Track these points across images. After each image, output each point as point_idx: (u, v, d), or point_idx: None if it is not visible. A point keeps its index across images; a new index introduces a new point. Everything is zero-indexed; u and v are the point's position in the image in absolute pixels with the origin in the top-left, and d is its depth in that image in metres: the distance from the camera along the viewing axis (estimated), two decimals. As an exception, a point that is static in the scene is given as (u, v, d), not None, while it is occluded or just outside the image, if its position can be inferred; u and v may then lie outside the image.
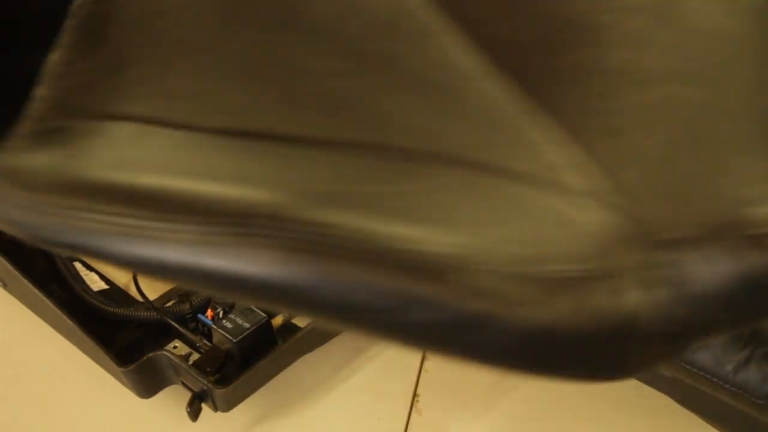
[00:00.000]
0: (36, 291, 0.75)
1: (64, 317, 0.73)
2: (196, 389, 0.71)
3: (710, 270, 0.35)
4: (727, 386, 0.61)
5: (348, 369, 0.82)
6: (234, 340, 0.71)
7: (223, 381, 0.70)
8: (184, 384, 0.73)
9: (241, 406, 0.74)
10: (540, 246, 0.36)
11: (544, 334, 0.34)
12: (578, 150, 0.40)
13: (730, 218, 0.36)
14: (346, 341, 0.84)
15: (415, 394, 0.80)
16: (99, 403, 0.79)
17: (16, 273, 0.70)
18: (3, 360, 0.84)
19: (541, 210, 0.37)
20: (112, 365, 0.71)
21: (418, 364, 0.82)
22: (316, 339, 0.77)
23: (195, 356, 0.74)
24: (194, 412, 0.71)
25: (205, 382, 0.70)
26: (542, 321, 0.34)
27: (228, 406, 0.72)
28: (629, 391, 0.77)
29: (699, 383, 0.63)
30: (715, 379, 0.61)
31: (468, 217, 0.37)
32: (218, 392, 0.70)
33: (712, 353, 0.60)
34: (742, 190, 0.37)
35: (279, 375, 0.80)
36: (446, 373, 0.82)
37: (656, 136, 0.40)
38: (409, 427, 0.77)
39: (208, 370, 0.69)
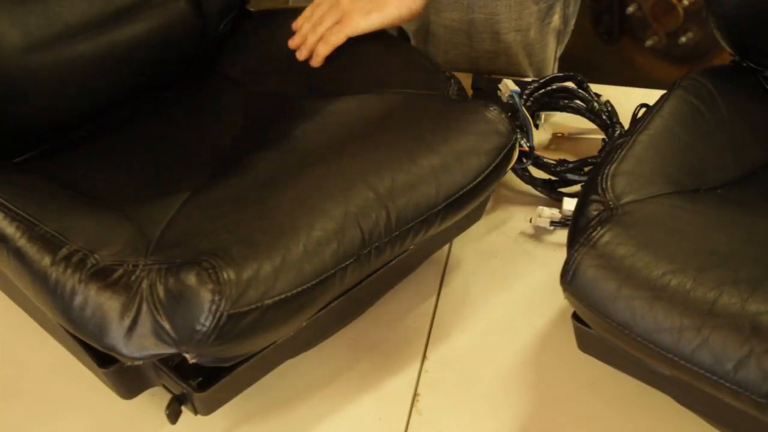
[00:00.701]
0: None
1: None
2: (176, 392, 0.72)
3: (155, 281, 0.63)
4: (727, 384, 0.60)
5: (348, 369, 0.82)
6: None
7: (204, 384, 0.70)
8: (164, 386, 0.73)
9: (228, 408, 0.74)
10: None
11: None
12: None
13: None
14: (346, 341, 0.84)
15: (415, 394, 0.80)
16: (97, 404, 0.79)
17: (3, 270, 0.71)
18: (3, 360, 0.84)
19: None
20: (94, 366, 0.71)
21: (418, 364, 0.82)
22: (299, 344, 0.77)
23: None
24: (173, 415, 0.72)
25: (184, 386, 0.70)
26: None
27: (208, 409, 0.72)
28: (629, 390, 0.77)
29: (699, 381, 0.63)
30: (714, 377, 0.61)
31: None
32: (197, 396, 0.70)
33: (711, 351, 0.60)
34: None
35: (276, 376, 0.80)
36: (447, 373, 0.82)
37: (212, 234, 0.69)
38: (409, 426, 0.77)
39: (188, 373, 0.69)
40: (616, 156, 0.74)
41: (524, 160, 0.94)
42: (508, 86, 0.96)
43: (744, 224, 0.73)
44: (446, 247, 0.92)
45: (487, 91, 1.03)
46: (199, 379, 0.70)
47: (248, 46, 0.95)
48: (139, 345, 0.61)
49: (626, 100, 0.99)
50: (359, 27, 0.89)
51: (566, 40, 1.22)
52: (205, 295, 0.60)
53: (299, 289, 0.64)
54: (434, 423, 0.77)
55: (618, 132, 0.96)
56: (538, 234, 0.94)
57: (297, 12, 0.94)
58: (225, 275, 0.61)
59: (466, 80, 1.07)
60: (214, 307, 0.60)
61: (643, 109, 0.87)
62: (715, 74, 0.84)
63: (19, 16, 0.79)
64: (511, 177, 0.96)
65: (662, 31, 2.08)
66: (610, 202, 0.70)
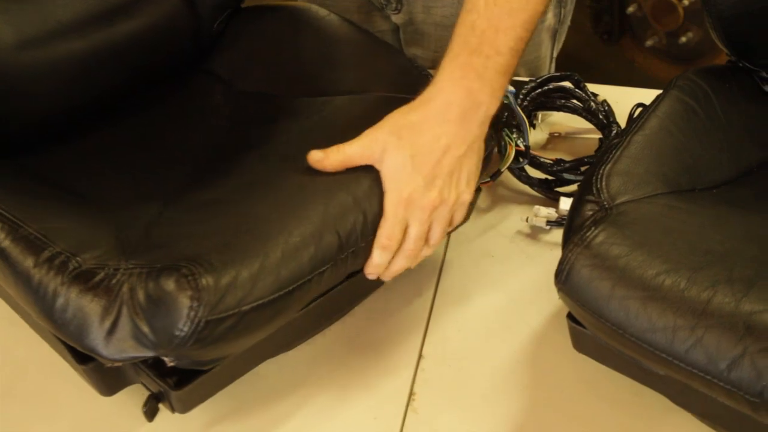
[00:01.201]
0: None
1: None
2: (153, 390, 0.72)
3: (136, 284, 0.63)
4: (721, 384, 0.60)
5: (344, 367, 0.82)
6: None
7: (180, 383, 0.71)
8: (143, 384, 0.74)
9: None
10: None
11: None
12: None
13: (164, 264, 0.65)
14: (341, 339, 0.84)
15: (411, 393, 0.80)
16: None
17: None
18: (3, 360, 0.84)
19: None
20: (74, 363, 0.72)
21: (414, 363, 0.82)
22: (279, 344, 0.78)
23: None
24: (150, 412, 0.73)
25: (161, 384, 0.70)
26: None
27: (185, 407, 0.73)
28: (624, 389, 0.77)
29: (693, 381, 0.63)
30: (708, 377, 0.61)
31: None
32: (174, 394, 0.70)
33: (705, 351, 0.60)
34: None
35: (275, 375, 0.81)
36: (443, 372, 0.82)
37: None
38: (405, 425, 0.77)
39: (166, 371, 0.70)
40: (611, 156, 0.74)
41: (521, 160, 0.94)
42: (503, 86, 0.96)
43: (739, 224, 0.73)
44: (442, 245, 0.92)
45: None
46: (176, 378, 0.71)
47: (236, 44, 0.95)
48: (118, 348, 0.62)
49: (625, 99, 0.99)
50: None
51: (563, 38, 1.21)
52: (184, 302, 0.61)
53: (276, 295, 0.65)
54: (430, 422, 0.78)
55: (615, 132, 0.96)
56: (534, 233, 0.94)
57: (288, 8, 0.94)
58: (204, 281, 0.62)
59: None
60: (192, 314, 0.61)
61: (640, 109, 0.87)
62: (710, 74, 0.84)
63: (12, 13, 0.79)
64: (507, 176, 0.96)
65: (662, 31, 2.08)
66: (605, 202, 0.70)
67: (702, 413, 0.72)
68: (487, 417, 0.78)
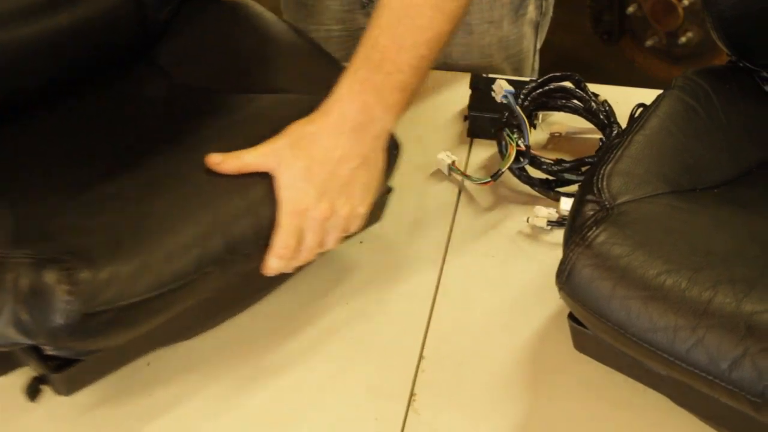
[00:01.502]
0: None
1: None
2: (36, 373, 0.75)
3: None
4: (722, 384, 0.60)
5: (344, 368, 0.82)
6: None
7: (61, 366, 0.73)
8: (29, 366, 0.75)
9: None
10: None
11: None
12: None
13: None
14: (342, 340, 0.84)
15: (412, 394, 0.80)
16: None
17: None
18: None
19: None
20: None
21: (415, 364, 0.82)
22: (172, 333, 0.80)
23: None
24: (31, 393, 0.76)
25: (42, 367, 0.73)
26: None
27: (68, 390, 0.76)
28: (626, 390, 0.77)
29: (694, 381, 0.63)
30: (710, 377, 0.61)
31: None
32: (54, 377, 0.73)
33: (706, 351, 0.60)
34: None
35: (277, 375, 0.80)
36: (443, 373, 0.82)
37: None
38: (405, 426, 0.77)
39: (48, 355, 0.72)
40: (612, 156, 0.74)
41: (521, 160, 0.94)
42: (502, 87, 0.96)
43: (740, 224, 0.73)
44: (443, 245, 0.92)
45: (485, 92, 1.03)
46: (58, 362, 0.73)
47: (179, 36, 0.94)
48: (1, 333, 0.65)
49: (625, 100, 0.99)
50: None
51: (545, 30, 1.20)
52: (60, 295, 0.64)
53: (156, 293, 0.67)
54: (431, 423, 0.78)
55: (615, 132, 0.96)
56: (535, 234, 0.94)
57: (229, 3, 0.93)
58: (82, 275, 0.65)
59: (464, 80, 1.07)
60: (68, 307, 0.64)
61: (641, 109, 0.87)
62: (711, 74, 0.84)
63: None
64: (508, 176, 0.96)
65: (662, 31, 2.08)
66: (606, 202, 0.70)
67: (704, 414, 0.72)
68: (488, 417, 0.78)
